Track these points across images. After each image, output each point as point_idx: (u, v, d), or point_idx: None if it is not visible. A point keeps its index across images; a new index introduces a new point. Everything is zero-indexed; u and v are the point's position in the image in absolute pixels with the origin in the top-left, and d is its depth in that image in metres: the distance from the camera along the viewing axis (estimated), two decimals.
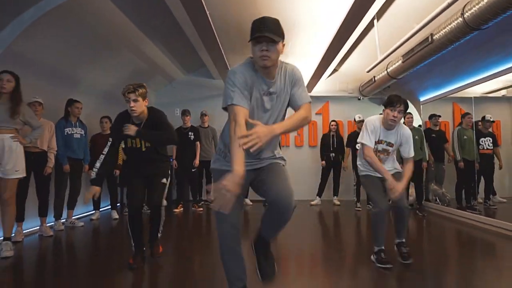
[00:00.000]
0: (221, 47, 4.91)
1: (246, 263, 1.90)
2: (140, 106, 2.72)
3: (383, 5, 3.84)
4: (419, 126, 6.45)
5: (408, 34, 3.86)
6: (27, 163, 3.40)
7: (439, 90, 5.80)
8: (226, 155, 1.88)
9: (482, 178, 5.51)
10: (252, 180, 1.92)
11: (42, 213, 4.04)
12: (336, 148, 6.51)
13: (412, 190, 5.86)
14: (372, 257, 2.95)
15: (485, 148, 5.48)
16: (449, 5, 3.15)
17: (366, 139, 2.90)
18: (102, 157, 2.71)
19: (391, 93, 6.85)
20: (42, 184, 4.00)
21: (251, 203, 6.40)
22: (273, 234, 1.99)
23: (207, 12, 3.75)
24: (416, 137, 5.54)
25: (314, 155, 7.31)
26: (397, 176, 2.92)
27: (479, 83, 4.88)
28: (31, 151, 3.65)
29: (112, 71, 5.40)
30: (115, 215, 5.17)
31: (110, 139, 2.78)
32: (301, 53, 5.66)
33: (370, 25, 4.39)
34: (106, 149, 2.74)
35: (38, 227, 4.11)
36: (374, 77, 5.89)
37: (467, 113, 5.60)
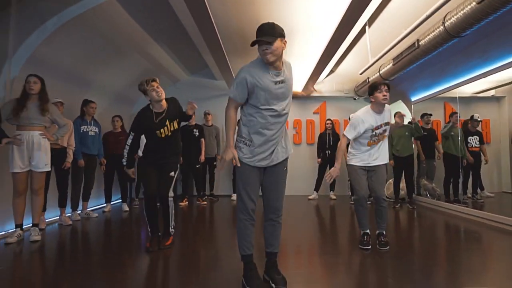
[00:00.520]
0: (224, 50, 5.24)
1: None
2: (163, 92, 3.16)
3: (374, 12, 4.19)
4: (409, 122, 6.76)
5: (397, 39, 4.21)
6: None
7: (429, 90, 6.14)
8: (250, 142, 2.24)
9: (470, 173, 5.80)
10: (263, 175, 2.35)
11: (62, 204, 4.40)
12: (332, 145, 6.79)
13: (403, 185, 6.20)
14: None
15: (473, 146, 5.76)
16: (431, 14, 3.50)
17: (347, 130, 3.25)
18: (127, 147, 3.16)
19: None
20: (61, 178, 4.37)
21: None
22: (277, 243, 2.40)
23: (212, 18, 4.09)
24: (406, 133, 5.88)
25: (312, 152, 7.65)
26: (381, 168, 3.28)
27: (464, 84, 5.21)
28: (53, 147, 3.97)
29: (122, 73, 5.74)
30: (126, 207, 5.52)
31: (132, 133, 3.18)
32: (298, 55, 6.00)
33: (363, 31, 4.75)
34: (129, 141, 3.17)
35: (57, 217, 4.47)
36: (368, 78, 6.23)
37: (455, 112, 5.93)
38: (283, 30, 2.11)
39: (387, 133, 3.29)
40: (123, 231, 4.36)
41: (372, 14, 4.24)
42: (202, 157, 6.22)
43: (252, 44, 2.06)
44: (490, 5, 3.05)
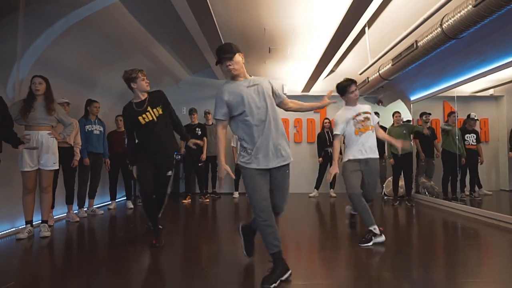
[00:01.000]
0: None
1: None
2: (147, 85, 3.33)
3: (373, 13, 4.28)
4: (407, 120, 6.86)
5: (395, 40, 4.31)
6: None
7: (428, 90, 6.23)
8: (251, 153, 2.34)
9: (467, 171, 5.90)
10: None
11: (69, 201, 4.51)
12: (331, 143, 6.90)
13: (402, 183, 6.30)
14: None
15: (470, 143, 5.85)
16: (429, 16, 3.59)
17: (336, 128, 3.50)
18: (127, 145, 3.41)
19: (384, 92, 7.38)
20: (69, 176, 4.48)
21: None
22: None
23: (214, 17, 4.18)
24: (404, 131, 5.98)
25: (312, 151, 7.75)
26: (374, 162, 3.43)
27: (462, 84, 5.31)
28: (60, 146, 4.06)
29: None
30: (130, 205, 5.64)
31: (126, 130, 3.41)
32: (299, 55, 6.10)
33: (362, 32, 4.84)
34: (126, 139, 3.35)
35: (65, 214, 4.59)
36: (367, 78, 6.32)
37: (453, 112, 6.03)
38: (239, 48, 2.38)
39: (370, 123, 3.43)
40: (127, 227, 4.47)
41: (372, 16, 4.32)
42: (204, 156, 6.32)
43: (217, 63, 2.36)
44: (486, 8, 3.13)
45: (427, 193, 6.51)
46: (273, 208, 2.35)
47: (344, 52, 5.54)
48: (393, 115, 6.25)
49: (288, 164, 2.46)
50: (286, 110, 2.77)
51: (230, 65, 2.32)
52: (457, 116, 5.87)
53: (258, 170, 2.32)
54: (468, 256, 3.11)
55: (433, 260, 2.95)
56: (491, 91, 5.99)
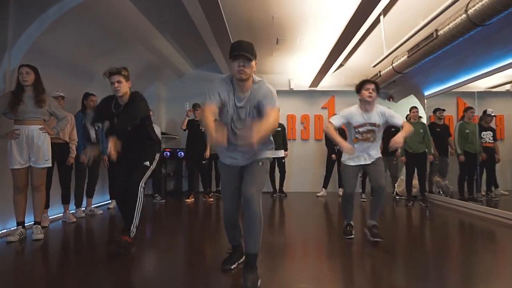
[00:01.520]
0: (232, 41, 5.05)
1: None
2: (124, 87, 2.91)
3: (390, 0, 3.98)
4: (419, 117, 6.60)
5: (414, 29, 4.00)
6: (51, 153, 3.56)
7: (443, 84, 5.93)
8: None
9: (484, 170, 5.65)
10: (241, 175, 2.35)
11: (65, 201, 4.26)
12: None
13: (415, 182, 6.02)
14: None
15: (486, 141, 5.63)
16: (454, 2, 3.30)
17: (333, 118, 3.38)
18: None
19: (396, 87, 7.07)
20: (65, 174, 4.22)
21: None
22: (252, 244, 2.20)
23: (221, 6, 3.90)
24: (421, 130, 5.70)
25: (320, 148, 7.48)
26: (378, 161, 3.29)
27: (482, 78, 5.01)
28: (55, 142, 3.82)
29: (125, 65, 5.53)
30: None
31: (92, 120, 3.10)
32: (308, 46, 5.80)
33: (376, 21, 4.53)
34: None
35: (61, 214, 4.33)
36: (379, 71, 6.03)
37: (470, 107, 5.74)
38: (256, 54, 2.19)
39: (375, 137, 3.26)
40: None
41: (388, 2, 4.02)
42: (207, 153, 6.06)
43: (230, 57, 2.11)
44: None
45: (441, 192, 6.24)
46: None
47: (356, 43, 5.23)
48: (410, 110, 5.97)
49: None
50: None
51: (243, 66, 2.09)
52: (478, 113, 5.58)
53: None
54: (487, 260, 2.94)
55: (449, 265, 2.78)
56: (507, 87, 5.74)
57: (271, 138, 2.39)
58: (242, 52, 2.07)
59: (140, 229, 3.05)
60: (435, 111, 6.14)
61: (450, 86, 5.78)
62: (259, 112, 2.20)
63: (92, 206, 4.88)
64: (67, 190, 4.28)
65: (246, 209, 2.15)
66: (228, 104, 2.21)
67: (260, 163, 2.31)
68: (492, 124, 5.72)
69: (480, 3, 3.28)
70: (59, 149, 4.05)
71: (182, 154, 6.66)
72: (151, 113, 5.82)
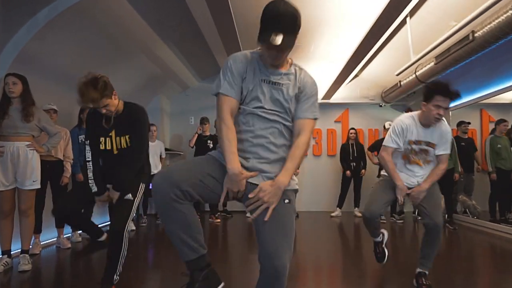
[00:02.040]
0: (241, 49, 4.68)
1: None
2: (112, 106, 2.36)
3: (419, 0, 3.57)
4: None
5: (448, 33, 3.55)
6: (43, 172, 3.17)
7: (471, 95, 5.48)
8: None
9: None
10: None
11: (59, 225, 3.79)
12: (356, 157, 6.30)
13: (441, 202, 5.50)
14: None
15: None
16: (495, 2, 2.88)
17: (387, 140, 2.57)
18: (89, 164, 2.39)
19: (416, 99, 6.61)
20: (58, 194, 3.76)
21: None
22: None
23: (231, 9, 3.51)
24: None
25: (333, 165, 7.03)
26: (434, 189, 2.54)
27: None
28: (47, 159, 3.43)
29: (125, 76, 5.15)
30: (132, 226, 4.92)
31: (87, 141, 2.44)
32: (324, 55, 5.40)
33: (400, 25, 4.12)
34: (88, 154, 2.40)
35: (55, 239, 3.89)
36: (399, 81, 5.60)
37: (502, 120, 5.27)
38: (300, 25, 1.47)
39: (429, 157, 2.53)
40: (128, 252, 3.74)
41: (417, 2, 3.60)
42: None
43: (262, 33, 1.40)
44: None
45: (468, 212, 5.71)
46: None
47: (376, 50, 4.81)
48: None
49: None
50: None
51: (280, 52, 1.45)
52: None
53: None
54: None
55: None
56: None
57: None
58: (283, 30, 1.38)
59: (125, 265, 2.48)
60: (459, 124, 5.68)
61: (478, 97, 5.32)
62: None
63: None
64: None
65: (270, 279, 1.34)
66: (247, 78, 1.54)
67: (286, 201, 1.47)
68: None
69: None
70: (52, 168, 3.64)
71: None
72: (154, 128, 5.56)
